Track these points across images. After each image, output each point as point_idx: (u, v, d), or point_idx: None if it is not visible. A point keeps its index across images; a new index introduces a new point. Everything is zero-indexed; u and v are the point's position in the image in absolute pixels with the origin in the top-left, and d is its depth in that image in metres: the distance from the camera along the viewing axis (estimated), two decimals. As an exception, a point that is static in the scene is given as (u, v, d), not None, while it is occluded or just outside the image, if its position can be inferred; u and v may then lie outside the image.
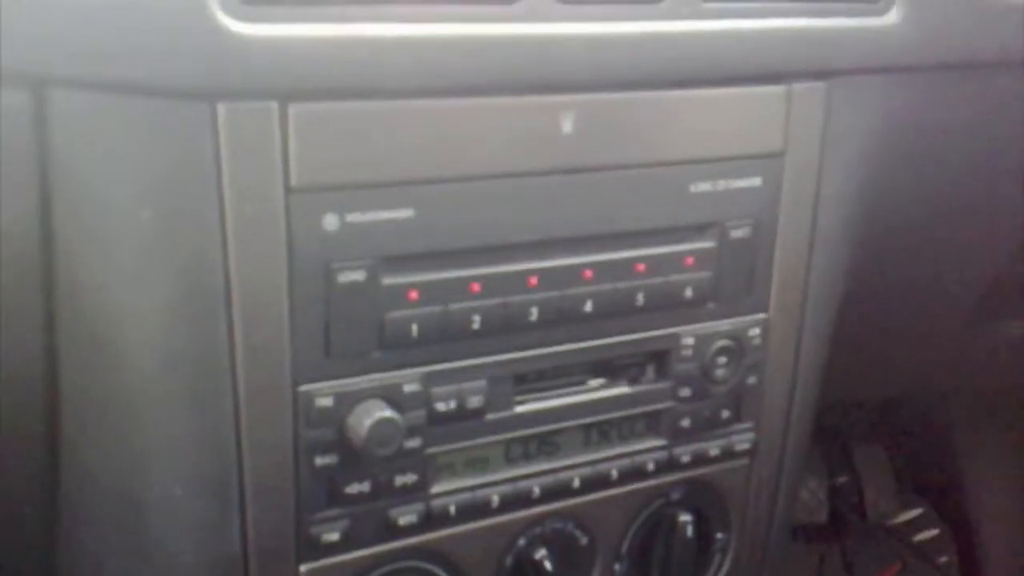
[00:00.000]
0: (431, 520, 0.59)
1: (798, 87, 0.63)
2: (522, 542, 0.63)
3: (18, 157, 0.47)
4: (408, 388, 0.56)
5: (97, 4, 0.45)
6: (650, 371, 0.65)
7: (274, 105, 0.49)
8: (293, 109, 0.49)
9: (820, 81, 0.64)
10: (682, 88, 0.59)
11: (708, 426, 0.68)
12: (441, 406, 0.58)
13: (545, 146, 0.56)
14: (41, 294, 0.50)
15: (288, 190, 0.51)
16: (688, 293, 0.63)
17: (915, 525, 1.27)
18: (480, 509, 0.61)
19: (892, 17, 0.65)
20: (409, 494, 0.58)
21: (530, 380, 0.61)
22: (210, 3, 0.46)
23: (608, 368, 0.64)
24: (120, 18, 0.45)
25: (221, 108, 0.48)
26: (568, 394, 0.63)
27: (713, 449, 0.68)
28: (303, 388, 0.54)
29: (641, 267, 0.61)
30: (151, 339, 0.51)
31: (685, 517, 0.68)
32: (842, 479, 1.26)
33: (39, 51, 0.45)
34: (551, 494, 0.63)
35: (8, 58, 0.44)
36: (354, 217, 0.52)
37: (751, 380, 0.68)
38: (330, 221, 0.52)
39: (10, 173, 0.47)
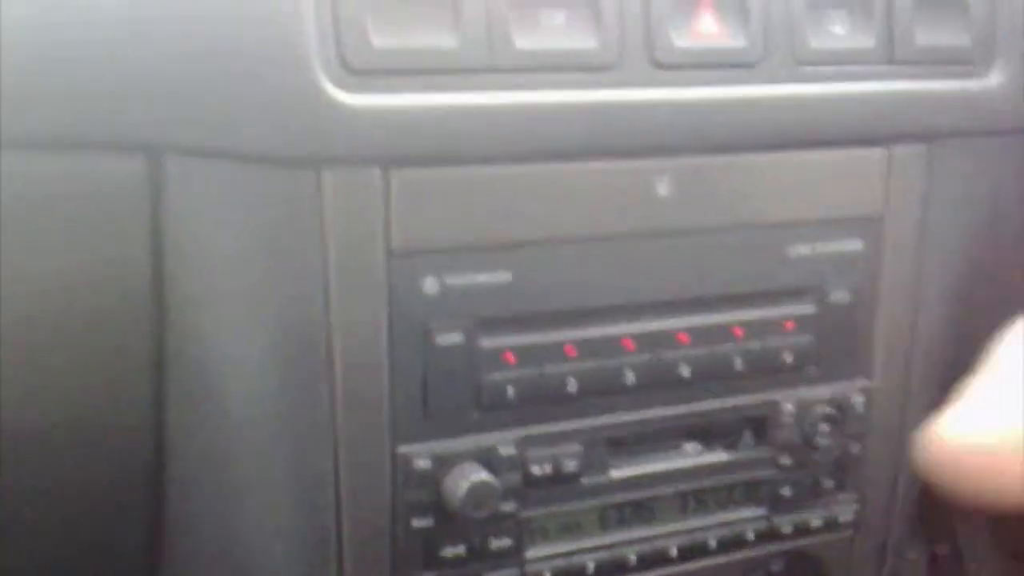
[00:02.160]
0: None
1: (898, 150, 0.62)
2: None
3: (133, 218, 0.49)
4: (504, 451, 0.56)
5: (211, 76, 0.48)
6: (748, 437, 0.64)
7: (377, 171, 0.50)
8: (395, 175, 0.51)
9: (921, 144, 0.63)
10: (780, 151, 0.59)
11: (810, 496, 0.66)
12: (536, 469, 0.57)
13: (641, 209, 0.56)
14: (152, 349, 0.52)
15: (389, 253, 0.52)
16: (787, 358, 0.62)
17: (1021, 599, 1.21)
18: (575, 575, 0.60)
19: (993, 79, 0.64)
20: (504, 558, 0.58)
21: (626, 444, 0.61)
22: (319, 75, 0.48)
23: (705, 433, 0.63)
24: (233, 90, 0.48)
25: (327, 174, 0.50)
26: (664, 459, 0.62)
27: (815, 520, 0.67)
28: (402, 449, 0.54)
29: (739, 331, 0.61)
30: (254, 397, 0.53)
31: (785, 588, 0.66)
32: (942, 549, 1.21)
33: (155, 121, 0.48)
34: (647, 561, 0.62)
35: (127, 128, 0.47)
36: (453, 280, 0.53)
37: (854, 449, 0.66)
38: (430, 284, 0.53)
39: (125, 233, 0.49)
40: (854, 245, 0.62)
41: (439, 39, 0.51)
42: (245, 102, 0.48)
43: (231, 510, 0.55)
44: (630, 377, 0.58)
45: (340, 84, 0.49)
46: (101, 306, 0.50)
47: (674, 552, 0.63)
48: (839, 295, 0.62)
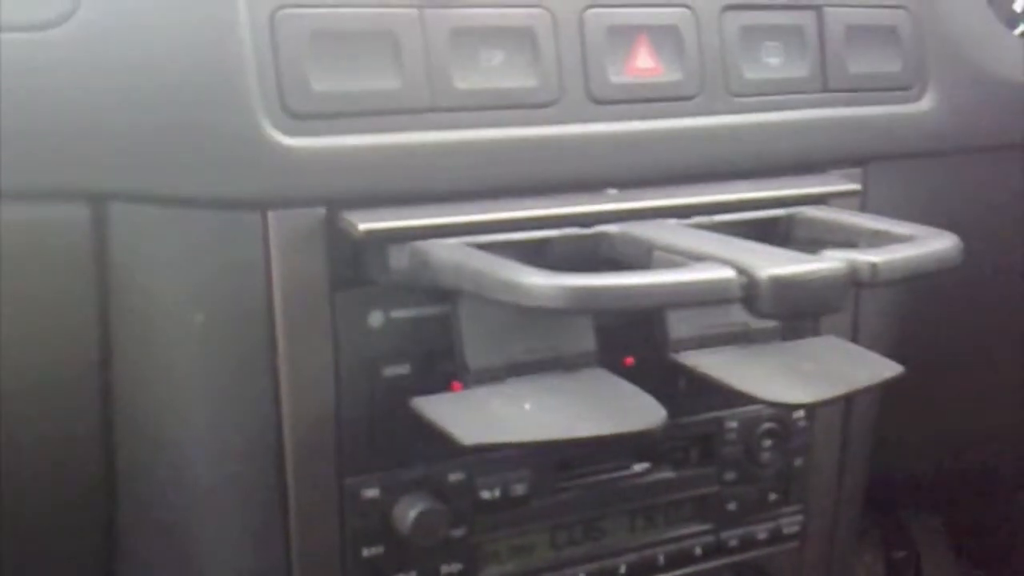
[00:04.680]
0: None
1: (834, 175, 0.64)
2: None
3: (78, 265, 0.49)
4: (453, 477, 0.57)
5: (154, 123, 0.48)
6: (694, 455, 0.65)
7: (322, 211, 0.51)
8: (339, 215, 0.52)
9: (856, 168, 0.65)
10: (720, 181, 0.60)
11: (755, 509, 0.67)
12: (486, 494, 0.58)
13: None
14: (99, 393, 0.52)
15: (334, 288, 0.53)
16: (730, 378, 0.63)
17: (976, 600, 1.24)
18: None
19: (925, 103, 0.66)
20: None
21: (574, 466, 0.62)
22: (261, 120, 0.49)
23: (652, 453, 0.64)
24: (176, 136, 0.48)
25: (272, 216, 0.50)
26: (612, 480, 0.63)
27: (761, 533, 0.68)
28: (349, 480, 0.55)
29: (682, 354, 0.62)
30: (202, 435, 0.53)
31: (732, 603, 0.68)
32: (899, 553, 1.24)
33: (99, 169, 0.48)
34: None
35: (69, 175, 0.47)
36: (398, 313, 0.54)
37: (798, 462, 0.68)
38: (375, 317, 0.54)
39: (70, 280, 0.49)
40: None
41: (380, 81, 0.51)
42: (189, 148, 0.48)
43: (183, 547, 0.56)
44: None
45: (282, 128, 0.50)
46: (47, 354, 0.50)
47: (623, 570, 0.64)
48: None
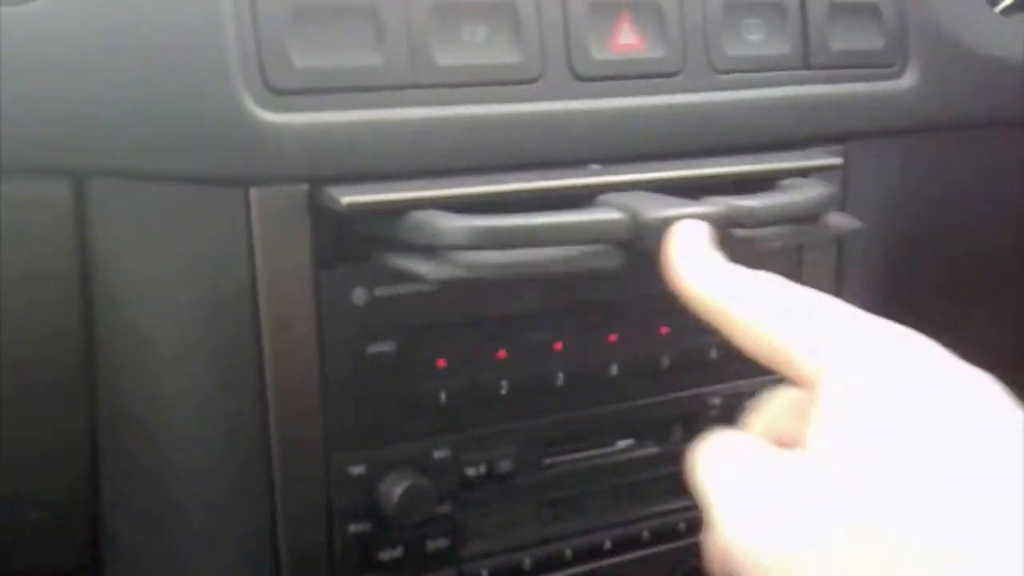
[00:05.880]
0: None
1: (815, 152, 0.64)
2: None
3: (59, 243, 0.49)
4: (438, 454, 0.58)
5: (135, 99, 0.48)
6: (678, 431, 0.66)
7: (304, 187, 0.51)
8: (322, 191, 0.52)
9: (837, 144, 0.65)
10: (699, 158, 0.60)
11: None
12: (471, 471, 0.59)
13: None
14: (81, 372, 0.52)
15: (318, 266, 0.53)
16: (713, 354, 0.64)
17: None
18: (512, 572, 0.62)
19: (906, 80, 0.66)
20: (441, 559, 0.59)
21: (559, 443, 0.62)
22: (242, 95, 0.49)
23: (636, 429, 0.65)
24: (158, 112, 0.48)
25: (254, 193, 0.50)
26: (597, 456, 0.64)
27: (744, 508, 0.69)
28: (336, 457, 0.55)
29: (664, 330, 0.62)
30: (187, 412, 0.53)
31: (717, 577, 0.68)
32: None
33: (79, 146, 0.48)
34: (583, 556, 0.64)
35: (49, 152, 0.47)
36: (382, 291, 0.54)
37: None
38: (359, 295, 0.54)
39: (51, 258, 0.49)
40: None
41: (362, 57, 0.51)
42: (169, 124, 0.48)
43: (167, 523, 0.56)
44: (560, 378, 0.60)
45: (263, 104, 0.49)
46: (27, 332, 0.50)
47: (609, 545, 0.64)
48: None
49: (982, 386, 0.35)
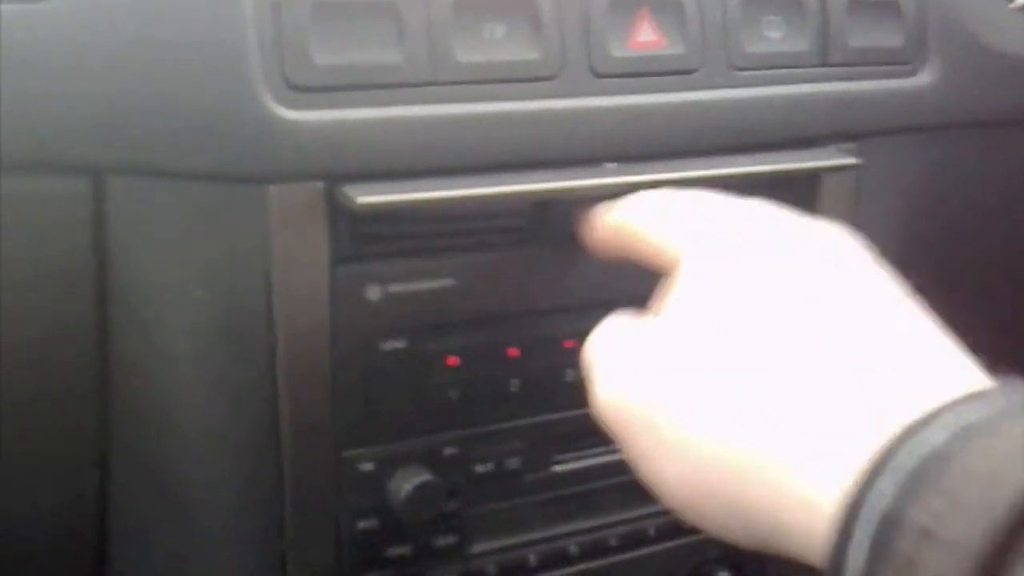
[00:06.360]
0: None
1: (831, 150, 0.63)
2: None
3: (77, 239, 0.49)
4: (447, 451, 0.57)
5: (154, 96, 0.47)
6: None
7: (322, 185, 0.50)
8: (338, 189, 0.51)
9: (853, 142, 0.64)
10: (717, 155, 0.60)
11: None
12: (480, 468, 0.59)
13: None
14: (95, 366, 0.52)
15: (333, 262, 0.52)
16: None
17: None
18: (519, 568, 0.62)
19: (923, 78, 0.65)
20: (448, 555, 0.59)
21: (569, 441, 0.62)
22: (262, 92, 0.48)
23: None
24: (175, 109, 0.47)
25: (273, 190, 0.50)
26: (605, 453, 0.64)
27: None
28: (346, 453, 0.55)
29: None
30: (198, 406, 0.53)
31: (723, 574, 0.68)
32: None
33: (98, 143, 0.47)
34: (590, 552, 0.64)
35: (68, 149, 0.46)
36: (396, 288, 0.54)
37: None
38: (373, 291, 0.53)
39: (68, 255, 0.49)
40: None
41: (381, 55, 0.51)
42: (189, 121, 0.48)
43: (175, 519, 0.55)
44: (571, 375, 0.59)
45: (283, 101, 0.49)
46: (44, 328, 0.49)
47: (615, 542, 0.64)
48: None
49: (824, 241, 0.42)
